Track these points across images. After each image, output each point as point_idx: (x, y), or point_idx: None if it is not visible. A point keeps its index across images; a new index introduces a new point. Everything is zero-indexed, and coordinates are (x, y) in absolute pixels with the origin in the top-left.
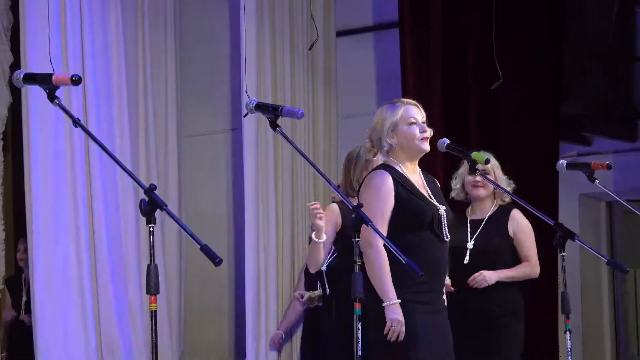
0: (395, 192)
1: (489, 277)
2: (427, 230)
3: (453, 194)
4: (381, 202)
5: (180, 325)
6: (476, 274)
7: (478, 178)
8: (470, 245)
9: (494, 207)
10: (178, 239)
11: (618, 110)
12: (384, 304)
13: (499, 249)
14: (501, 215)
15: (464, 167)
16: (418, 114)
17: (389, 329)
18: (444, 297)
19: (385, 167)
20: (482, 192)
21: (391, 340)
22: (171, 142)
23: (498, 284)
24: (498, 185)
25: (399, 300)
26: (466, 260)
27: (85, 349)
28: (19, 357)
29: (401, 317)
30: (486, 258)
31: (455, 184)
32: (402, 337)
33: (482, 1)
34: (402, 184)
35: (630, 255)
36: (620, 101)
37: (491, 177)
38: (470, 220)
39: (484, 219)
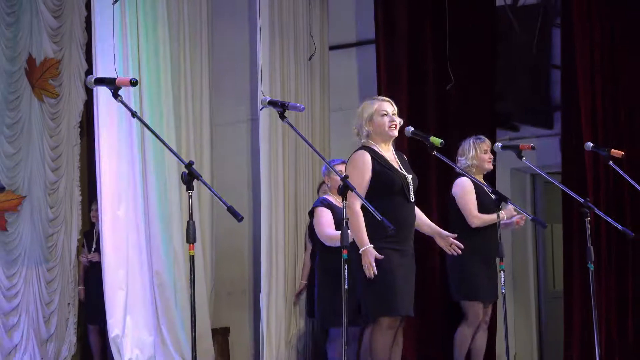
0: (372, 166)
1: None
2: (398, 194)
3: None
4: (360, 174)
5: (212, 266)
6: None
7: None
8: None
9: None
10: (210, 202)
11: (539, 105)
12: (360, 250)
13: None
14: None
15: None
16: (390, 107)
17: (366, 267)
18: (412, 245)
19: (365, 147)
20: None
21: (368, 275)
22: (205, 129)
23: None
24: (454, 165)
25: (371, 246)
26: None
27: (141, 283)
28: (92, 290)
29: (372, 259)
30: None
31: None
32: (374, 272)
33: (438, 23)
34: (377, 160)
35: (548, 214)
36: (541, 98)
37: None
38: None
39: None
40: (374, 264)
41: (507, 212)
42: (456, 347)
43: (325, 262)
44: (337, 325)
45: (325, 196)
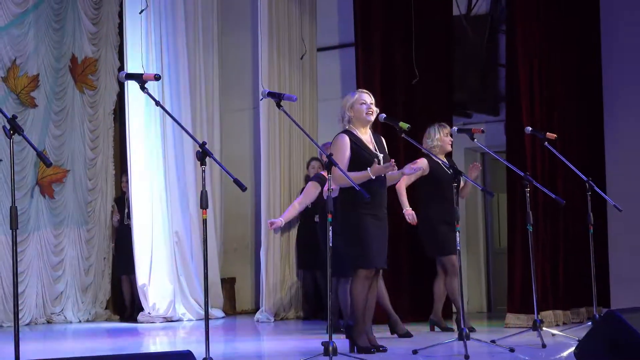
0: (350, 147)
1: None
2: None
3: (433, 144)
4: (341, 152)
5: (221, 227)
6: None
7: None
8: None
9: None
10: (219, 175)
11: (488, 96)
12: (370, 175)
13: None
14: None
15: (431, 141)
16: (368, 98)
17: (383, 169)
18: (386, 211)
19: (346, 131)
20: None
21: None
22: (215, 115)
23: None
24: (419, 146)
25: (369, 170)
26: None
27: (163, 241)
28: (123, 248)
29: (379, 166)
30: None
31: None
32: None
33: (406, 29)
34: (355, 142)
35: (495, 186)
36: (490, 91)
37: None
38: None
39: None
40: (381, 166)
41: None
42: (436, 298)
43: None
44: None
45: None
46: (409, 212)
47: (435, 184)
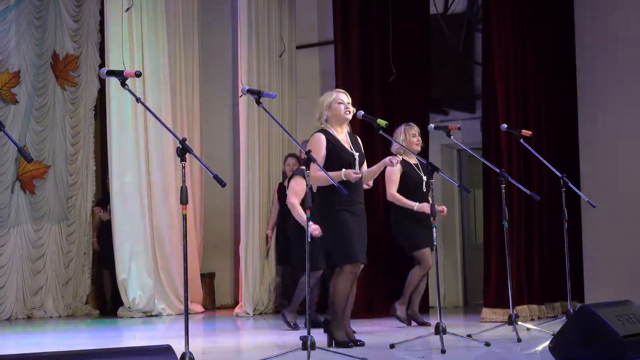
0: (326, 146)
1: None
2: (346, 168)
3: (395, 151)
4: (317, 151)
5: (201, 223)
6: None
7: (415, 139)
8: (425, 178)
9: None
10: (200, 171)
11: (464, 94)
12: (342, 176)
13: None
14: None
15: (395, 145)
16: (345, 98)
17: (354, 175)
18: (363, 207)
19: (323, 130)
20: (416, 148)
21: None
22: (196, 112)
23: None
24: (397, 142)
25: (343, 171)
26: (424, 189)
27: (143, 237)
28: (105, 242)
29: (352, 173)
30: (431, 185)
31: (396, 148)
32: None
33: (384, 28)
34: (331, 142)
35: (471, 182)
36: (466, 88)
37: (417, 139)
38: (412, 164)
39: (417, 163)
40: (357, 172)
41: (425, 207)
42: (407, 284)
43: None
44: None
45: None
46: (424, 206)
47: (405, 184)
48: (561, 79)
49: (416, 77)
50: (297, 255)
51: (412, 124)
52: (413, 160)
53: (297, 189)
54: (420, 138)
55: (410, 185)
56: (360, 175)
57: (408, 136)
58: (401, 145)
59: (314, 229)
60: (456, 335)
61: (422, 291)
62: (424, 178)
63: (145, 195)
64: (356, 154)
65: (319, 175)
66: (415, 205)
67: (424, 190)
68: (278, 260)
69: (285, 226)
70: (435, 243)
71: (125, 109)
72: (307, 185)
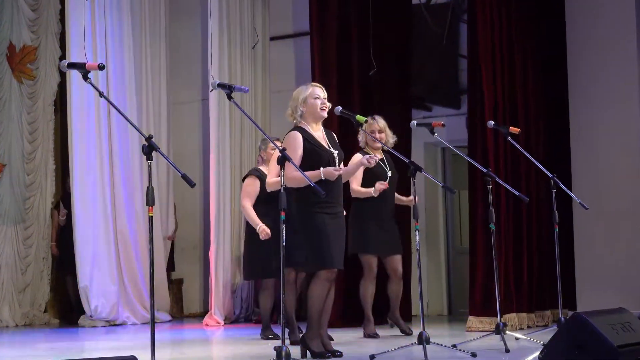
0: (303, 145)
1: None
2: (325, 167)
3: (362, 144)
4: (294, 150)
5: (167, 225)
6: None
7: (377, 135)
8: (389, 173)
9: (381, 151)
10: (167, 170)
11: (448, 89)
12: (321, 175)
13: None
14: (389, 157)
15: (361, 134)
16: (321, 93)
17: (335, 172)
18: (342, 208)
19: (298, 128)
20: (377, 143)
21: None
22: (163, 107)
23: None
24: (377, 140)
25: (322, 170)
26: (387, 184)
27: (106, 240)
28: (66, 247)
29: (331, 169)
30: (394, 182)
31: (361, 141)
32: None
33: (363, 19)
34: (307, 140)
35: (456, 182)
36: (450, 83)
37: (382, 135)
38: (379, 159)
39: (383, 158)
40: (338, 169)
41: (397, 200)
42: (363, 301)
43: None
44: (265, 276)
45: (259, 166)
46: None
47: (368, 179)
48: (552, 72)
49: (398, 71)
50: (248, 262)
51: (376, 117)
52: (379, 155)
53: (248, 190)
54: (382, 134)
55: (373, 180)
56: (341, 172)
57: (367, 130)
58: (384, 145)
59: (262, 230)
60: (440, 345)
61: (398, 294)
62: (389, 174)
63: (109, 196)
64: (335, 152)
65: (295, 175)
66: (372, 190)
67: (388, 186)
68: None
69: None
70: (418, 247)
71: (87, 104)
72: (281, 185)
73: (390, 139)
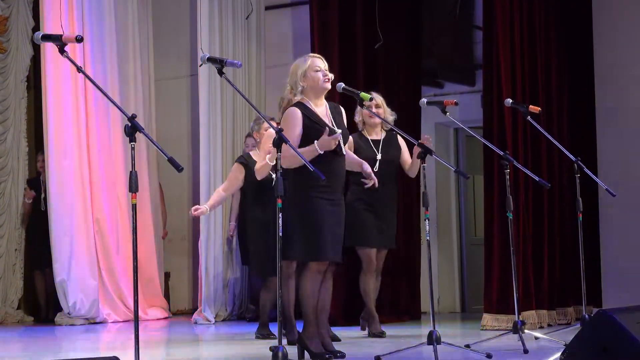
0: (302, 122)
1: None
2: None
3: (357, 120)
4: (292, 128)
5: (157, 213)
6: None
7: (373, 110)
8: (379, 156)
9: (383, 131)
10: (153, 153)
11: (462, 64)
12: (317, 149)
13: (398, 159)
14: (391, 137)
15: (358, 113)
16: (321, 64)
17: (331, 141)
18: (341, 195)
19: (298, 104)
20: (376, 120)
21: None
22: (147, 84)
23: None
24: (383, 119)
25: (317, 143)
26: (376, 168)
27: (85, 230)
28: (36, 237)
29: (327, 138)
30: (390, 165)
31: (359, 121)
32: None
33: None
34: (308, 117)
35: (470, 166)
36: (464, 57)
37: (380, 110)
38: (371, 140)
39: (380, 139)
40: (333, 138)
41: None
42: (363, 295)
43: (253, 213)
44: (274, 274)
45: (250, 152)
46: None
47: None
48: (576, 45)
49: (406, 44)
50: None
51: (373, 93)
52: (373, 136)
53: (230, 177)
54: (378, 110)
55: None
56: (339, 138)
57: (363, 109)
58: (387, 123)
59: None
60: (452, 345)
61: (376, 293)
62: (379, 156)
63: (87, 181)
64: (338, 131)
65: (292, 155)
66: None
67: (376, 170)
68: (244, 261)
69: (246, 219)
70: (428, 238)
71: (63, 80)
72: (278, 169)
73: (390, 115)
